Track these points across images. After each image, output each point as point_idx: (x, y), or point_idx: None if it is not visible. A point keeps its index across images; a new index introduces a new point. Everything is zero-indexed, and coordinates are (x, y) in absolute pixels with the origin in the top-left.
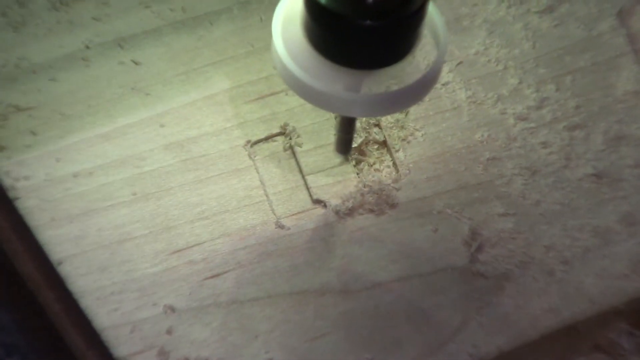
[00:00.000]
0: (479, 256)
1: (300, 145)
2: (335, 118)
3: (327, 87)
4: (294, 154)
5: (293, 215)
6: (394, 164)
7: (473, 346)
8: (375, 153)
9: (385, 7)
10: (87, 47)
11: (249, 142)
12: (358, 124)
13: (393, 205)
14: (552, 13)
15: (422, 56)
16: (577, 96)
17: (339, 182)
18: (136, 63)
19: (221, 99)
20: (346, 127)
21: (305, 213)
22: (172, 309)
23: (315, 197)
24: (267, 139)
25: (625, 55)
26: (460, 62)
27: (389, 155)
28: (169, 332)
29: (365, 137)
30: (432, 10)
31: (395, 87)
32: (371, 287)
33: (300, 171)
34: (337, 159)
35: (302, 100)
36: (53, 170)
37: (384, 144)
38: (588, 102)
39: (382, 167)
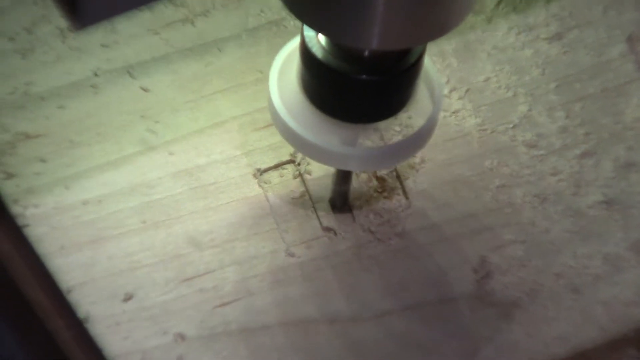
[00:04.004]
0: (488, 284)
1: (309, 173)
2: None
3: (323, 140)
4: (303, 181)
5: (303, 243)
6: (404, 191)
7: None
8: (385, 180)
9: (381, 62)
10: (96, 75)
11: (258, 170)
12: None
13: (402, 233)
14: (561, 40)
15: (418, 109)
16: (587, 123)
17: (348, 210)
18: (145, 90)
19: (230, 127)
20: (342, 180)
21: (315, 241)
22: (183, 337)
23: (325, 225)
24: (276, 167)
25: (635, 81)
26: (470, 89)
27: (398, 183)
28: None
29: None
30: (427, 63)
31: (392, 141)
32: (381, 315)
33: (310, 199)
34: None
35: None
36: (62, 198)
37: (393, 171)
38: (598, 129)
39: (391, 195)
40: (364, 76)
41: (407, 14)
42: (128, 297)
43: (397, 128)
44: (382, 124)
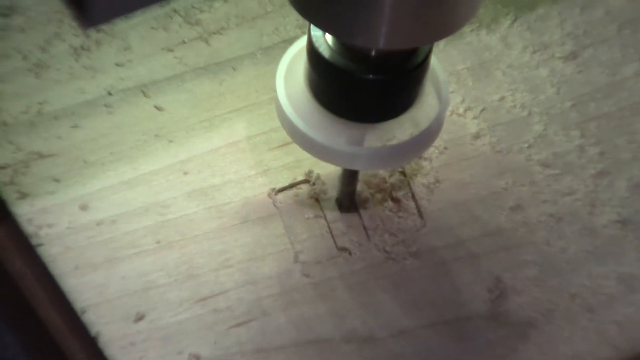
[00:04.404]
0: (503, 304)
1: (325, 193)
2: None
3: (330, 140)
4: (318, 201)
5: (318, 263)
6: (419, 211)
7: None
8: (400, 200)
9: (388, 62)
10: (110, 94)
11: (273, 189)
12: (382, 172)
13: (417, 253)
14: (576, 59)
15: (425, 108)
16: (602, 142)
17: (363, 230)
18: (159, 109)
19: (244, 146)
20: (349, 180)
21: (330, 261)
22: (197, 358)
23: (340, 245)
24: (291, 186)
25: None
26: (485, 109)
27: (413, 203)
28: None
29: (390, 184)
30: (434, 63)
31: (398, 140)
32: (397, 334)
33: (325, 219)
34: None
35: None
36: (76, 217)
37: (408, 192)
38: (612, 148)
39: (406, 215)
40: (370, 75)
41: (414, 14)
42: (140, 317)
43: (404, 127)
44: (388, 123)
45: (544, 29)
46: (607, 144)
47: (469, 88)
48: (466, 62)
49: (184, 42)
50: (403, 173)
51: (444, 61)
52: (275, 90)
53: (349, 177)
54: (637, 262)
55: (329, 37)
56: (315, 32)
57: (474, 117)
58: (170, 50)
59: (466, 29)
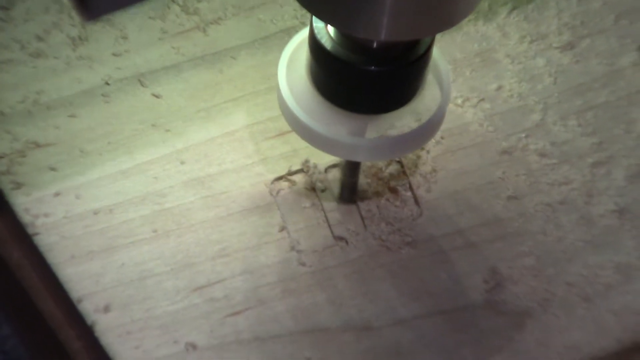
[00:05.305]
0: (500, 293)
1: (321, 182)
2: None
3: (332, 131)
4: (315, 190)
5: (314, 252)
6: (416, 200)
7: None
8: (397, 190)
9: (389, 53)
10: (107, 83)
11: (270, 179)
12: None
13: (414, 242)
14: (573, 49)
15: (426, 100)
16: (599, 132)
17: (360, 219)
18: (157, 97)
19: (241, 136)
20: (351, 171)
21: (326, 250)
22: (194, 347)
23: (336, 234)
24: (288, 175)
25: None
26: (482, 99)
27: (410, 192)
28: None
29: (388, 174)
30: (436, 54)
31: (400, 131)
32: (393, 324)
33: (322, 208)
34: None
35: None
36: (73, 207)
37: (406, 181)
38: (610, 138)
39: (403, 204)
40: (372, 67)
41: (415, 5)
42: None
43: (406, 119)
44: (390, 115)
45: (541, 19)
46: (605, 133)
47: (467, 78)
48: (464, 52)
49: (182, 32)
50: (400, 163)
51: (442, 51)
52: (274, 80)
53: (351, 168)
54: (634, 251)
55: (330, 29)
56: (317, 23)
57: (472, 107)
58: (168, 40)
59: None
